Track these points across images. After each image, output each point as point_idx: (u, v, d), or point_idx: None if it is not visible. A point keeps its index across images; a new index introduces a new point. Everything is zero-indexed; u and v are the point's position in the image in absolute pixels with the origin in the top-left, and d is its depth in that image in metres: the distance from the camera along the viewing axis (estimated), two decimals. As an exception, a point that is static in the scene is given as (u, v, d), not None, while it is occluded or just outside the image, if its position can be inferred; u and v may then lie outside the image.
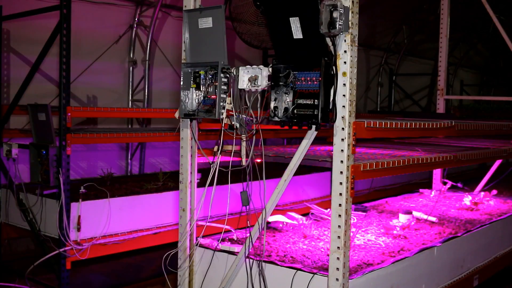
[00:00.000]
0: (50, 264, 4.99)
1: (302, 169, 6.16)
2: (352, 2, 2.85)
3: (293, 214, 4.62)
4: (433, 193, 6.38)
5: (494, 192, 6.28)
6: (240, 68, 3.23)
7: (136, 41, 8.23)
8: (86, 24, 7.40)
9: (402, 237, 4.20)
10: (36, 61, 5.18)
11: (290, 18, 2.91)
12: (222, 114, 3.27)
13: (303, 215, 4.81)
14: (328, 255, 3.17)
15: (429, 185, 6.88)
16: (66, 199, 4.84)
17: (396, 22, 13.19)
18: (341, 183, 2.94)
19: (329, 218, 3.72)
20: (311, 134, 3.05)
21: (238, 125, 3.26)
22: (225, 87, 3.27)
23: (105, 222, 5.18)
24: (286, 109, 2.99)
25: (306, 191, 7.12)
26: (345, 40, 2.88)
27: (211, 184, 3.36)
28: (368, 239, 4.14)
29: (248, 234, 3.31)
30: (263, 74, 3.15)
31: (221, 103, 3.26)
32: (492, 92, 18.89)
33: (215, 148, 3.42)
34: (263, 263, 3.34)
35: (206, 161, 3.54)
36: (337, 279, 2.96)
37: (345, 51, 2.88)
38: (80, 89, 7.42)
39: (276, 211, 4.37)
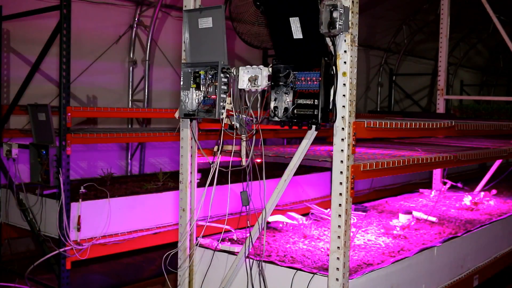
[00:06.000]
0: (50, 264, 4.99)
1: (302, 169, 6.17)
2: (352, 2, 2.85)
3: (293, 214, 4.62)
4: (433, 193, 6.38)
5: (494, 192, 6.28)
6: (240, 68, 3.23)
7: (136, 41, 8.23)
8: (86, 24, 7.40)
9: (402, 237, 4.20)
10: (36, 61, 5.18)
11: (290, 18, 2.91)
12: (222, 114, 3.27)
13: (303, 215, 4.81)
14: (328, 255, 3.17)
15: (429, 185, 6.88)
16: (66, 199, 4.84)
17: (396, 22, 13.19)
18: (341, 183, 2.94)
19: (329, 218, 3.72)
20: (311, 134, 3.05)
21: (238, 125, 3.26)
22: (225, 87, 3.28)
23: (105, 222, 5.17)
24: (286, 109, 2.99)
25: (306, 191, 7.12)
26: (345, 40, 2.88)
27: (211, 184, 3.36)
28: (368, 239, 4.14)
29: (248, 234, 3.31)
30: (263, 74, 3.15)
31: (221, 103, 3.26)
32: (492, 92, 18.90)
33: (215, 148, 3.42)
34: (263, 263, 3.34)
35: (206, 161, 3.54)
36: (337, 279, 2.96)
37: (345, 51, 2.88)
38: (80, 89, 7.42)
39: (276, 211, 4.37)
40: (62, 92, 4.85)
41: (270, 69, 3.11)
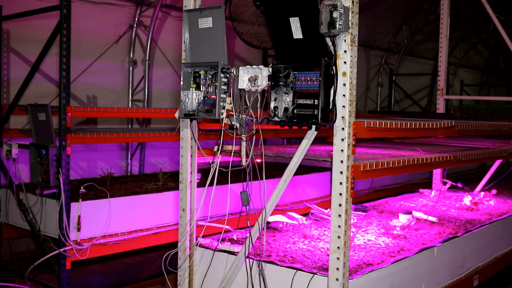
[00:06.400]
0: (50, 264, 4.99)
1: (302, 169, 6.16)
2: (352, 2, 2.85)
3: (293, 214, 4.62)
4: (433, 193, 6.38)
5: (494, 192, 6.28)
6: (240, 68, 3.23)
7: (136, 41, 8.23)
8: (86, 24, 7.40)
9: (402, 237, 4.20)
10: (36, 61, 5.18)
11: (290, 18, 2.91)
12: (222, 114, 3.27)
13: (303, 215, 4.81)
14: (328, 255, 3.17)
15: (429, 185, 6.88)
16: (66, 199, 4.84)
17: (396, 22, 13.19)
18: (341, 183, 2.94)
19: (329, 218, 3.72)
20: (311, 134, 3.05)
21: (238, 125, 3.26)
22: (225, 87, 3.28)
23: (105, 222, 5.17)
24: (286, 109, 2.99)
25: (306, 191, 7.12)
26: (345, 40, 2.88)
27: (211, 184, 3.36)
28: (368, 239, 4.14)
29: (248, 234, 3.31)
30: (263, 74, 3.15)
31: (221, 103, 3.26)
32: (492, 92, 18.90)
33: (215, 148, 3.42)
34: (263, 263, 3.34)
35: (206, 161, 3.54)
36: (337, 279, 2.96)
37: (345, 51, 2.88)
38: (80, 89, 7.42)
39: (276, 211, 4.37)
40: (62, 92, 4.85)
41: (270, 69, 3.11)
